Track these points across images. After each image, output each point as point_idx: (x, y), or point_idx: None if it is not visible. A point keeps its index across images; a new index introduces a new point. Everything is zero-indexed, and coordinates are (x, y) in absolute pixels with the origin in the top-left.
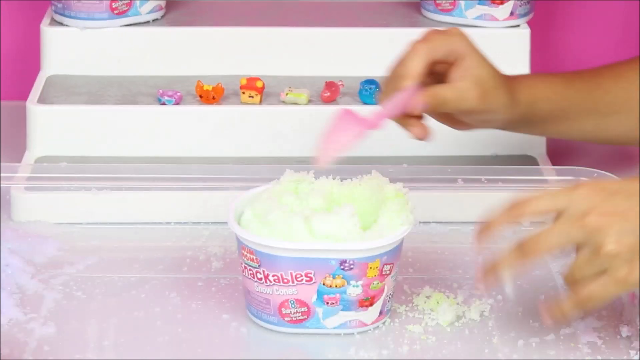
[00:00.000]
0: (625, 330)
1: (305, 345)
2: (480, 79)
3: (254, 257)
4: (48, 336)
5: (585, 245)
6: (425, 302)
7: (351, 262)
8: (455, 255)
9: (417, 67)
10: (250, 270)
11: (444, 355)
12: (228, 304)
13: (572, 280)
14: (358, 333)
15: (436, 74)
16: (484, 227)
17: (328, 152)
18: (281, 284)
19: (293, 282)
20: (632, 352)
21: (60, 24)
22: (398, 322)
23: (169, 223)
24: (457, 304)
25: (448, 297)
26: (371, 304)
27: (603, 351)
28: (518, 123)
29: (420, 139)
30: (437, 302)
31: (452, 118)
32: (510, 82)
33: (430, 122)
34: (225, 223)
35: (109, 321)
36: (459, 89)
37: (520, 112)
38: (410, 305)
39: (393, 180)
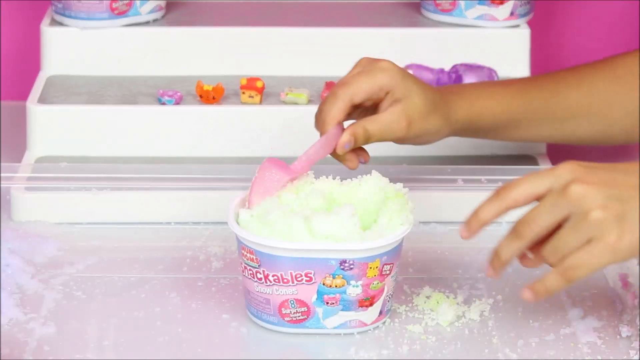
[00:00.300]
0: (625, 331)
1: (305, 345)
2: (407, 110)
3: (254, 257)
4: (48, 336)
5: (572, 215)
6: (425, 302)
7: (351, 262)
8: (455, 255)
9: (336, 115)
10: (250, 270)
11: (444, 355)
12: (228, 304)
13: (555, 254)
14: (358, 333)
15: (370, 107)
16: (472, 217)
17: (254, 199)
18: (281, 284)
19: (293, 282)
20: (632, 353)
21: (60, 24)
22: (398, 322)
23: (169, 223)
24: (457, 304)
25: (448, 297)
26: (371, 304)
27: (603, 351)
28: (461, 134)
29: (353, 169)
30: (437, 302)
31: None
32: (447, 101)
33: None
34: (225, 223)
35: (109, 321)
36: (384, 122)
37: (460, 127)
38: (410, 305)
39: (393, 180)
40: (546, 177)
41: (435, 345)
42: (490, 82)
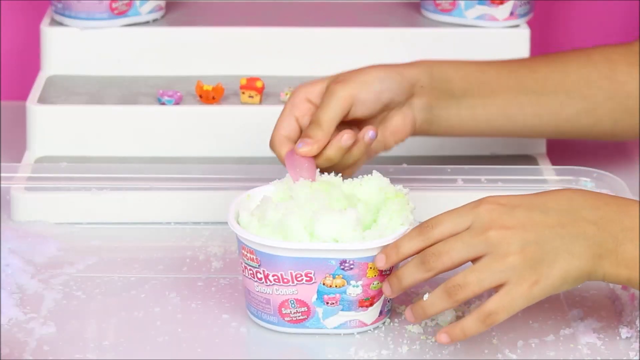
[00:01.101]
0: (624, 332)
1: (305, 345)
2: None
3: (254, 257)
4: (48, 336)
5: (487, 255)
6: None
7: (351, 262)
8: None
9: (282, 131)
10: (250, 270)
11: (443, 355)
12: (228, 304)
13: (466, 287)
14: (358, 333)
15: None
16: (392, 248)
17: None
18: (281, 283)
19: (293, 282)
20: (632, 354)
21: (60, 24)
22: (398, 322)
23: (169, 223)
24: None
25: None
26: (371, 304)
27: (602, 352)
28: (435, 100)
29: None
30: None
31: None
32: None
33: None
34: (225, 223)
35: (109, 321)
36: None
37: (433, 86)
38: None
39: (393, 181)
40: (467, 215)
41: (435, 346)
42: (454, 60)
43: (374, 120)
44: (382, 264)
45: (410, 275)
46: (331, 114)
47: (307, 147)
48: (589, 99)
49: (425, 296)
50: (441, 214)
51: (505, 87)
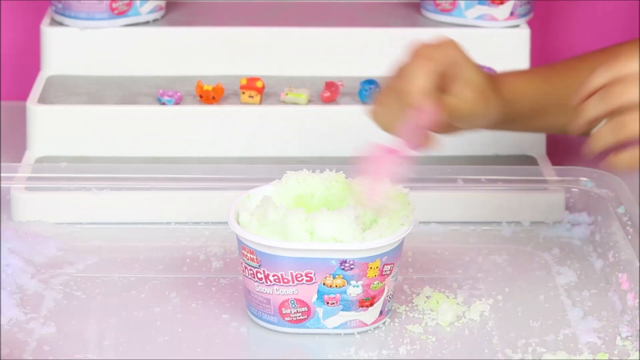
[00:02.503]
0: (625, 331)
1: (305, 346)
2: (479, 85)
3: (255, 257)
4: (48, 336)
5: None
6: (425, 302)
7: (351, 262)
8: (455, 255)
9: (424, 84)
10: (250, 270)
11: (444, 355)
12: (228, 304)
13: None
14: (358, 333)
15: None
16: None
17: (377, 200)
18: (281, 283)
19: (293, 282)
20: (632, 354)
21: (60, 24)
22: (398, 322)
23: (169, 223)
24: (457, 304)
25: (448, 297)
26: (371, 304)
27: (603, 352)
28: (503, 121)
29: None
30: (437, 302)
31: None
32: (495, 82)
33: None
34: (225, 223)
35: (109, 321)
36: (465, 98)
37: (507, 110)
38: (410, 305)
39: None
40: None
41: (435, 345)
42: (515, 70)
43: None
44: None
45: (593, 108)
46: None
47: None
48: None
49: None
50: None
51: (556, 106)
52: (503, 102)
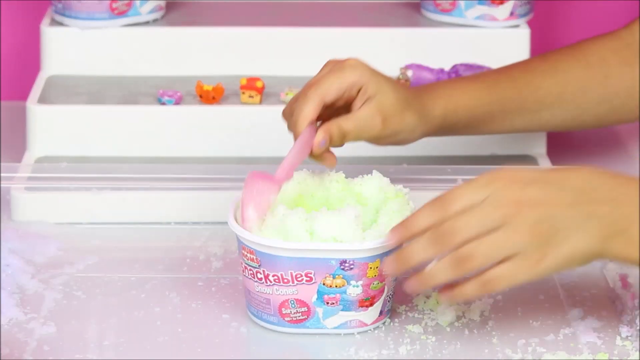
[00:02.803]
0: (625, 331)
1: (305, 345)
2: (381, 106)
3: (254, 257)
4: (48, 336)
5: (500, 230)
6: (425, 302)
7: (351, 262)
8: None
9: (308, 114)
10: (250, 270)
11: (443, 355)
12: (228, 304)
13: (477, 258)
14: (358, 333)
15: (342, 106)
16: (403, 228)
17: (249, 215)
18: (281, 284)
19: (293, 282)
20: (632, 354)
21: (60, 24)
22: (398, 322)
23: (169, 223)
24: (457, 304)
25: None
26: (371, 304)
27: (603, 352)
28: (437, 133)
29: (332, 166)
30: (437, 302)
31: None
32: (421, 98)
33: None
34: (225, 223)
35: (109, 321)
36: (359, 119)
37: (436, 124)
38: (410, 305)
39: (393, 181)
40: (482, 190)
41: (435, 345)
42: (462, 77)
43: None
44: (393, 240)
45: (423, 251)
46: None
47: (322, 136)
48: (581, 107)
49: (430, 265)
50: (456, 188)
51: (507, 112)
52: (428, 119)
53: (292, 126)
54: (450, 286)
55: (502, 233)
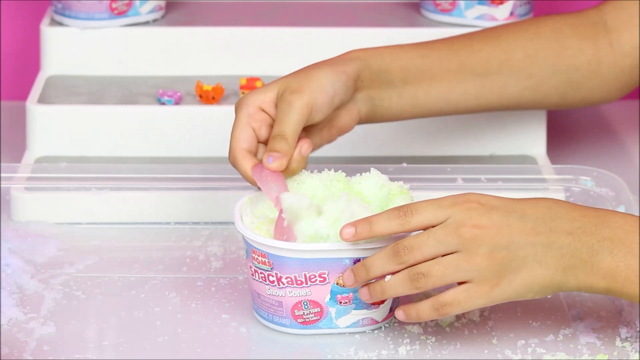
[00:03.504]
0: (624, 332)
1: (305, 345)
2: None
3: (266, 260)
4: (48, 336)
5: (457, 253)
6: None
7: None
8: None
9: (239, 143)
10: (261, 273)
11: (443, 355)
12: (228, 304)
13: (428, 279)
14: (358, 333)
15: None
16: (366, 225)
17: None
18: (294, 285)
19: (307, 284)
20: (632, 354)
21: (60, 24)
22: (398, 322)
23: (169, 223)
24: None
25: None
26: (382, 302)
27: (602, 352)
28: (373, 94)
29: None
30: None
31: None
32: (346, 65)
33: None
34: (225, 223)
35: (109, 321)
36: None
37: (369, 81)
38: None
39: (392, 180)
40: (445, 209)
41: (435, 346)
42: (393, 45)
43: (323, 120)
44: (350, 237)
45: (381, 265)
46: (294, 126)
47: (278, 162)
48: (534, 76)
49: (387, 277)
50: (421, 202)
51: (446, 71)
52: (353, 82)
53: (246, 178)
54: (407, 303)
55: (459, 256)
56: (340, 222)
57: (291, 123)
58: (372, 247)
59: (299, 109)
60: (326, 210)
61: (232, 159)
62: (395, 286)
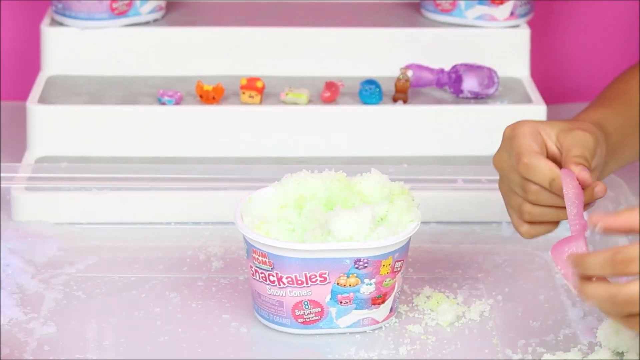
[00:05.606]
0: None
1: (306, 345)
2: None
3: (267, 260)
4: (48, 336)
5: None
6: (425, 302)
7: (365, 260)
8: (455, 255)
9: (550, 167)
10: (262, 273)
11: (444, 355)
12: (228, 304)
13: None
14: (359, 333)
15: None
16: (579, 260)
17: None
18: (295, 285)
19: (307, 283)
20: (632, 354)
21: (60, 24)
22: (398, 322)
23: (169, 223)
24: (457, 304)
25: (448, 297)
26: (383, 302)
27: (602, 352)
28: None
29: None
30: (437, 302)
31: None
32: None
33: (429, 122)
34: (225, 223)
35: (109, 321)
36: (578, 139)
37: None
38: (410, 305)
39: (393, 181)
40: None
41: (435, 345)
42: (595, 105)
43: None
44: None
45: (597, 269)
46: (595, 161)
47: (587, 173)
48: None
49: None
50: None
51: (629, 132)
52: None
53: (553, 187)
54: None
55: None
56: None
57: (593, 158)
58: (372, 247)
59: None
60: None
61: (526, 160)
62: (597, 266)
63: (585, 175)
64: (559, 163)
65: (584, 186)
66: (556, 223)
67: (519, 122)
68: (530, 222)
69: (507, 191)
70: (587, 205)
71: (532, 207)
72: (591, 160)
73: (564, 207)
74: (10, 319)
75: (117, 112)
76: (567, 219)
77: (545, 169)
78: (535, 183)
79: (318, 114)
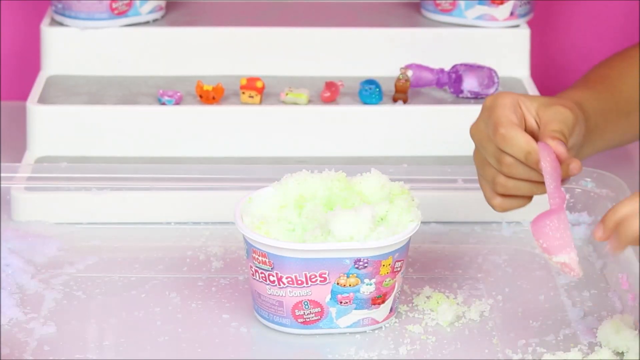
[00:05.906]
0: None
1: (306, 345)
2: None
3: (267, 260)
4: (48, 336)
5: None
6: (425, 302)
7: (365, 260)
8: (455, 255)
9: (528, 141)
10: (262, 273)
11: (444, 355)
12: (228, 304)
13: None
14: (359, 333)
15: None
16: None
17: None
18: (295, 285)
19: (307, 283)
20: (632, 353)
21: (60, 24)
22: (398, 322)
23: (169, 223)
24: (457, 304)
25: (448, 297)
26: (383, 302)
27: (602, 352)
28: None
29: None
30: (437, 302)
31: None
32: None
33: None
34: (225, 223)
35: (109, 321)
36: (554, 113)
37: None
38: (410, 305)
39: (393, 181)
40: None
41: (435, 345)
42: (575, 87)
43: None
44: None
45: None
46: (573, 139)
47: (563, 147)
48: None
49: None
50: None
51: (609, 117)
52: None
53: (529, 160)
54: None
55: None
56: None
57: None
58: (372, 247)
59: (570, 123)
60: None
61: (503, 131)
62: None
63: (561, 149)
64: (536, 137)
65: (560, 161)
66: (529, 198)
67: (500, 92)
68: (504, 195)
69: (481, 162)
70: (562, 181)
71: (506, 179)
72: (569, 137)
73: (539, 182)
74: (10, 319)
75: (117, 112)
76: (540, 193)
77: (521, 142)
78: (510, 155)
79: (318, 114)
